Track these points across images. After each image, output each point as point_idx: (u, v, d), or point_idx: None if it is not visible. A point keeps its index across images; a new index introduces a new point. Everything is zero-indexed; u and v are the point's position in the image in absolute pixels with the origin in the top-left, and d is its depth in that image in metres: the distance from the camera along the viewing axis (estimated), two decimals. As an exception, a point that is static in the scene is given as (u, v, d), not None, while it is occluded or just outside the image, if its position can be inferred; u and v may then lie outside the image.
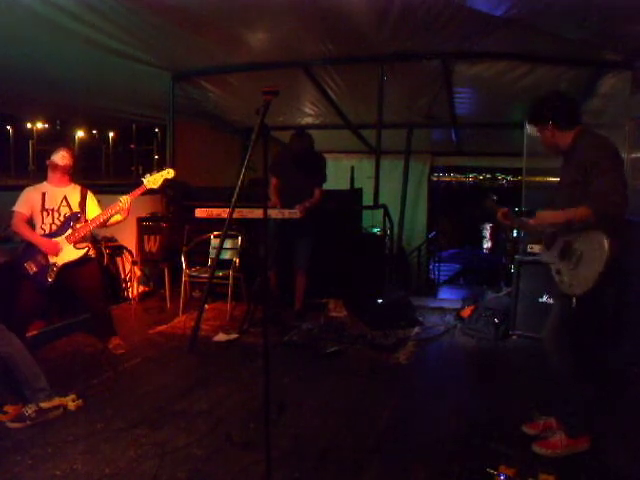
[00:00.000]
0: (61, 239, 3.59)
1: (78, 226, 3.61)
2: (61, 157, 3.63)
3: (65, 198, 3.66)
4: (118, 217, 3.69)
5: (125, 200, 3.61)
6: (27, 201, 3.59)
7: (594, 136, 2.44)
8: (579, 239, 2.36)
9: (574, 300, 2.36)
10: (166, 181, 3.72)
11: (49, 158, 3.64)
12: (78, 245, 3.63)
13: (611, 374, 3.42)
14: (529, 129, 4.24)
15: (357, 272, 5.20)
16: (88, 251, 3.70)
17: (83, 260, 3.67)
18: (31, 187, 3.67)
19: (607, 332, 3.78)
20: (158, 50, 5.17)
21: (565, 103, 2.52)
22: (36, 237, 3.54)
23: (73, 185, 3.75)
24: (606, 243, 2.23)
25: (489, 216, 2.73)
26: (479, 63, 5.13)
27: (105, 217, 3.62)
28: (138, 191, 3.64)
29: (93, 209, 3.75)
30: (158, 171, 3.70)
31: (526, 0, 3.57)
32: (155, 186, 3.67)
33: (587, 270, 2.30)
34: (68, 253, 3.60)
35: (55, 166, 3.62)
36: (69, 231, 3.60)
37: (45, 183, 3.68)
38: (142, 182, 3.66)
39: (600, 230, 2.26)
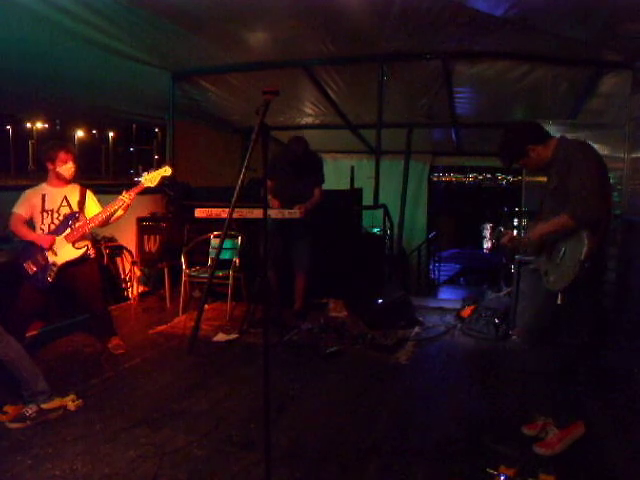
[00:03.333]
0: (60, 238, 3.59)
1: (77, 225, 3.61)
2: (69, 170, 3.62)
3: (65, 198, 3.66)
4: (120, 212, 3.68)
5: (126, 197, 3.60)
6: (26, 203, 3.59)
7: (569, 142, 2.55)
8: (562, 238, 2.47)
9: (559, 296, 2.44)
10: (163, 179, 3.72)
11: (52, 161, 3.59)
12: (77, 244, 3.63)
13: (610, 373, 3.42)
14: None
15: (357, 272, 5.20)
16: (87, 250, 3.69)
17: (82, 260, 3.67)
18: (31, 189, 3.67)
19: (605, 330, 3.78)
20: (158, 50, 5.18)
21: (528, 124, 2.67)
22: (32, 234, 3.55)
23: (72, 185, 3.74)
24: (585, 236, 2.32)
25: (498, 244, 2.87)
26: (479, 63, 5.13)
27: (105, 215, 3.62)
28: (136, 189, 3.64)
29: (93, 208, 3.75)
30: (156, 169, 3.70)
31: (526, 0, 3.57)
32: (153, 184, 3.67)
33: (569, 263, 2.40)
34: (67, 252, 3.60)
35: (62, 177, 3.63)
36: (68, 230, 3.60)
37: (44, 185, 3.68)
38: (140, 181, 3.66)
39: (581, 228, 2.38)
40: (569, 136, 2.61)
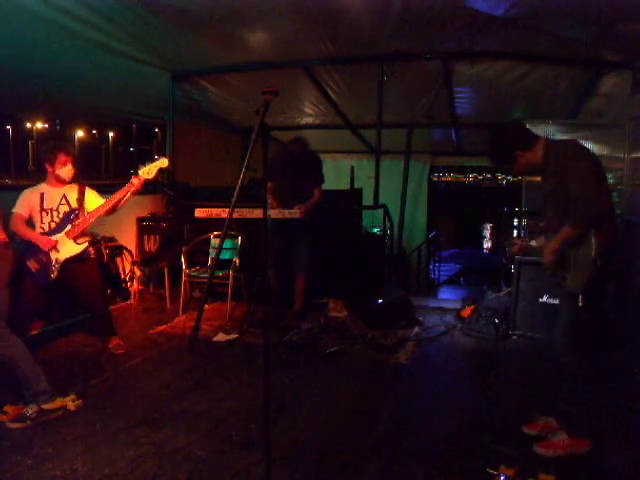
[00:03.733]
0: (61, 235, 3.60)
1: (77, 221, 3.63)
2: (67, 173, 3.62)
3: (64, 197, 3.68)
4: (127, 196, 3.69)
5: (135, 181, 3.59)
6: (25, 202, 3.61)
7: (557, 143, 2.57)
8: (570, 245, 2.47)
9: (580, 298, 2.43)
10: (160, 171, 3.73)
11: (51, 163, 3.59)
12: (78, 240, 3.64)
13: (610, 373, 3.42)
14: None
15: (357, 272, 5.20)
16: (89, 246, 3.71)
17: (83, 259, 3.68)
18: (29, 189, 3.69)
19: (605, 331, 3.78)
20: (158, 50, 5.18)
21: (516, 127, 2.66)
22: (33, 234, 3.57)
23: (70, 184, 3.75)
24: (592, 235, 2.35)
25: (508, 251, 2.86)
26: (479, 63, 5.13)
27: (106, 208, 3.63)
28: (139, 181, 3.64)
29: (94, 201, 3.75)
30: (152, 162, 3.70)
31: (526, 0, 3.57)
32: (150, 176, 3.67)
33: (583, 264, 2.41)
34: (69, 248, 3.62)
35: (61, 179, 3.64)
36: (68, 227, 3.62)
37: (43, 184, 3.69)
38: (137, 174, 3.65)
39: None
40: (569, 136, 2.62)
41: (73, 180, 3.73)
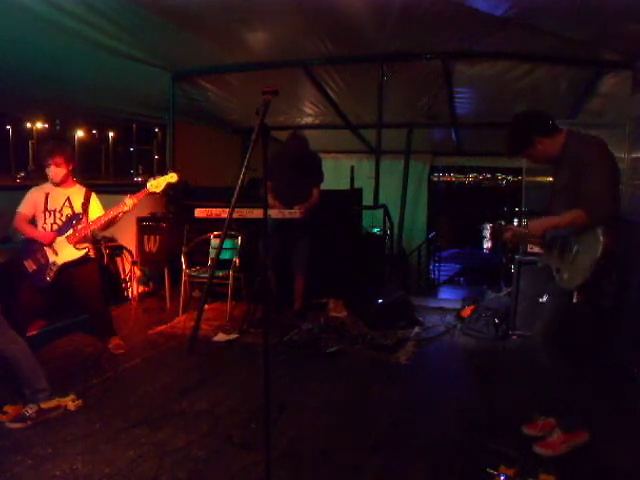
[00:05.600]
0: (62, 239, 3.60)
1: (79, 227, 3.62)
2: (50, 173, 3.60)
3: (68, 199, 3.67)
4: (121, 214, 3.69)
5: (130, 203, 3.60)
6: (30, 202, 3.62)
7: (582, 137, 2.48)
8: (575, 237, 2.42)
9: (575, 295, 2.38)
10: (169, 185, 3.73)
11: (45, 164, 3.61)
12: (78, 246, 3.64)
13: (610, 373, 3.42)
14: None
15: (357, 272, 5.20)
16: (88, 252, 3.70)
17: (83, 260, 3.68)
18: (36, 188, 3.70)
19: (605, 331, 3.78)
20: (158, 50, 5.18)
21: (538, 114, 2.56)
22: (34, 231, 3.58)
23: (78, 186, 3.76)
24: (600, 234, 2.28)
25: (499, 237, 2.83)
26: (479, 63, 5.13)
27: (107, 219, 3.62)
28: (141, 194, 3.65)
29: (95, 211, 3.75)
30: (161, 175, 3.71)
31: (526, 0, 3.57)
32: (158, 190, 3.70)
33: (584, 261, 2.34)
34: (68, 253, 3.61)
35: (49, 179, 3.64)
36: (70, 231, 3.61)
37: (49, 184, 3.69)
38: (145, 186, 3.67)
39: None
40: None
41: (63, 182, 3.66)
